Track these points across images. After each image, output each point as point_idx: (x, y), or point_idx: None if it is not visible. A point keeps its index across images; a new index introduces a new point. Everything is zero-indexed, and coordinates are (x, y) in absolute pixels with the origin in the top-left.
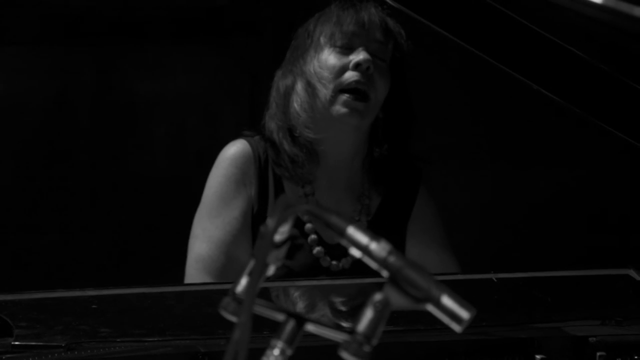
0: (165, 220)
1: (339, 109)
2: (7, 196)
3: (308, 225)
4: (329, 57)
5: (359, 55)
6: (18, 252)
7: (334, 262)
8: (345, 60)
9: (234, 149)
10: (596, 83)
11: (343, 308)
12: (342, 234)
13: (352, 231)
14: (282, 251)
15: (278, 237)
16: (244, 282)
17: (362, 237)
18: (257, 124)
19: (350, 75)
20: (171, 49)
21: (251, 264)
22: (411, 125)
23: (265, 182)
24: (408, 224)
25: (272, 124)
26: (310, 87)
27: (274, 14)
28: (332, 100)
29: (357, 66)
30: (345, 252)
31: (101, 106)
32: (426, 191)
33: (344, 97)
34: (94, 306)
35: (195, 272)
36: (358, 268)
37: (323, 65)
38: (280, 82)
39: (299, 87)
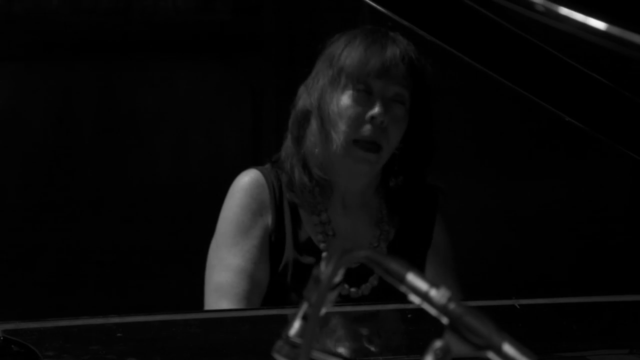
0: (169, 232)
1: (350, 159)
2: (11, 209)
3: (322, 245)
4: (347, 104)
5: (375, 109)
6: (21, 264)
7: (352, 289)
8: (361, 110)
9: (247, 179)
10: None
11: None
12: (402, 280)
13: (412, 278)
14: (335, 293)
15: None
16: (296, 325)
17: (421, 284)
18: (258, 137)
19: (364, 129)
20: (174, 64)
21: (304, 307)
22: (429, 159)
23: (280, 211)
24: (428, 252)
25: (287, 151)
26: (324, 131)
27: (276, 29)
28: (344, 150)
29: (372, 118)
30: (364, 278)
31: (105, 121)
32: (442, 218)
33: (356, 149)
34: (119, 334)
35: (215, 300)
36: (378, 294)
37: (341, 112)
38: (299, 103)
39: (314, 125)
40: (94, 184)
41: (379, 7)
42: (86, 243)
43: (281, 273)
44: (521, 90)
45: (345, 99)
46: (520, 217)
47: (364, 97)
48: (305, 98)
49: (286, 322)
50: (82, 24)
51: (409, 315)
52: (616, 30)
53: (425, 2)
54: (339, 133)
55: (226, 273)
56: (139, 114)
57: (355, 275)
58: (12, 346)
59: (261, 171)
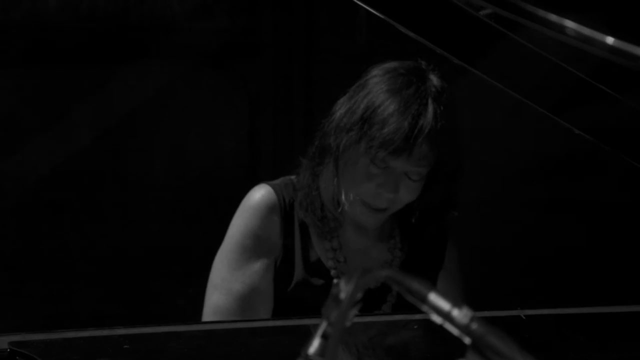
0: (167, 241)
1: (356, 213)
2: (11, 217)
3: (334, 272)
4: (361, 173)
5: (386, 187)
6: (22, 272)
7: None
8: (373, 183)
9: (258, 197)
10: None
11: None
12: (424, 300)
13: (434, 298)
14: (354, 311)
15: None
16: (316, 343)
17: (443, 304)
18: (255, 144)
19: (373, 198)
20: (171, 70)
21: (323, 325)
22: (452, 206)
23: (291, 231)
24: (439, 275)
25: (303, 176)
26: (337, 179)
27: (274, 37)
28: (351, 205)
29: (381, 192)
30: (377, 306)
31: (102, 127)
32: (453, 241)
33: (363, 208)
34: (125, 346)
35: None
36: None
37: (354, 175)
38: (326, 133)
39: (329, 171)
40: (92, 190)
41: (376, 12)
42: (86, 251)
43: (290, 293)
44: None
45: (361, 166)
46: (523, 223)
47: (379, 172)
48: (331, 133)
49: (295, 334)
50: (79, 30)
51: (415, 327)
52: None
53: (430, 11)
54: (347, 191)
55: (226, 298)
56: (136, 120)
57: (368, 303)
58: (18, 358)
59: (273, 187)
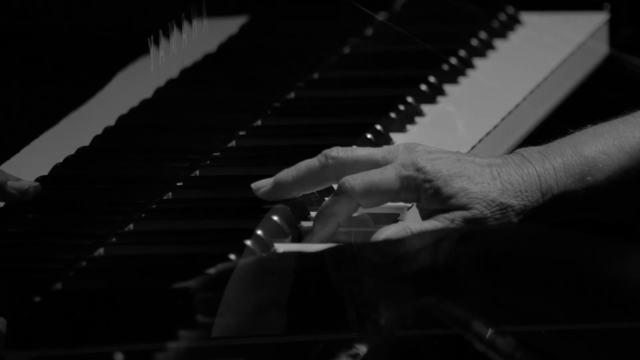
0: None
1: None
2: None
3: (348, 304)
4: None
5: None
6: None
7: None
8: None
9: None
10: None
11: None
12: (468, 327)
13: (477, 325)
14: (393, 338)
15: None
16: None
17: (487, 331)
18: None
19: None
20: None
21: (362, 350)
22: None
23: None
24: None
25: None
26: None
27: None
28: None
29: None
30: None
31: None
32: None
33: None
34: None
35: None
36: None
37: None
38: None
39: None
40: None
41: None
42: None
43: (302, 313)
44: None
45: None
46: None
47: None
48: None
49: (304, 351)
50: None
51: (435, 342)
52: None
53: None
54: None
55: (237, 318)
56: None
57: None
58: None
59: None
